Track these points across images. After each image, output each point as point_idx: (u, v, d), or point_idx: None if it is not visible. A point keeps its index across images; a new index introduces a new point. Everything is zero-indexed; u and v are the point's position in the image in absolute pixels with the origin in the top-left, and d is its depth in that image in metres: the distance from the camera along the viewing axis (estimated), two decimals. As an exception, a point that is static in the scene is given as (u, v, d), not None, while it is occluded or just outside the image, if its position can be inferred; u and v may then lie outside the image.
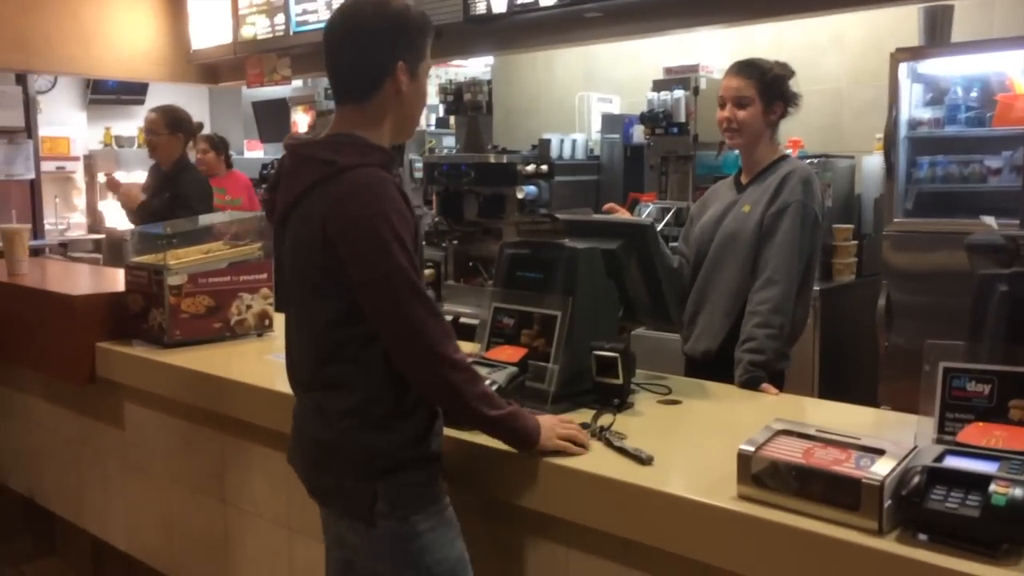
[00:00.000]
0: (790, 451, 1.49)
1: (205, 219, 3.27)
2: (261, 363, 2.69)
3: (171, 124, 4.28)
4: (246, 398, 2.44)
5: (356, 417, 1.68)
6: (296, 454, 1.83)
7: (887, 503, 1.36)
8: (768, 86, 2.49)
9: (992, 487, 1.29)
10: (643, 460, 1.70)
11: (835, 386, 4.01)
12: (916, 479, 1.35)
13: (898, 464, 1.40)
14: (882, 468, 1.39)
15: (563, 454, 1.73)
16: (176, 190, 4.18)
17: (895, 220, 3.84)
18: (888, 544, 1.34)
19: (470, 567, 1.77)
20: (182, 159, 4.37)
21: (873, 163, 4.33)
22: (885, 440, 1.48)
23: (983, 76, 3.74)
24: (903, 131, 3.83)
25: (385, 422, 1.68)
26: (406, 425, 1.69)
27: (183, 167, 4.34)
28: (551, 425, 1.76)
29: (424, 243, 5.47)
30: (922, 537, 1.35)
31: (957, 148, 3.79)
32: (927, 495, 1.33)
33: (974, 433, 1.44)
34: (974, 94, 3.73)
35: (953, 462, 1.37)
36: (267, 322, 3.00)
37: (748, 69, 2.52)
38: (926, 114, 3.82)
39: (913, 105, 3.85)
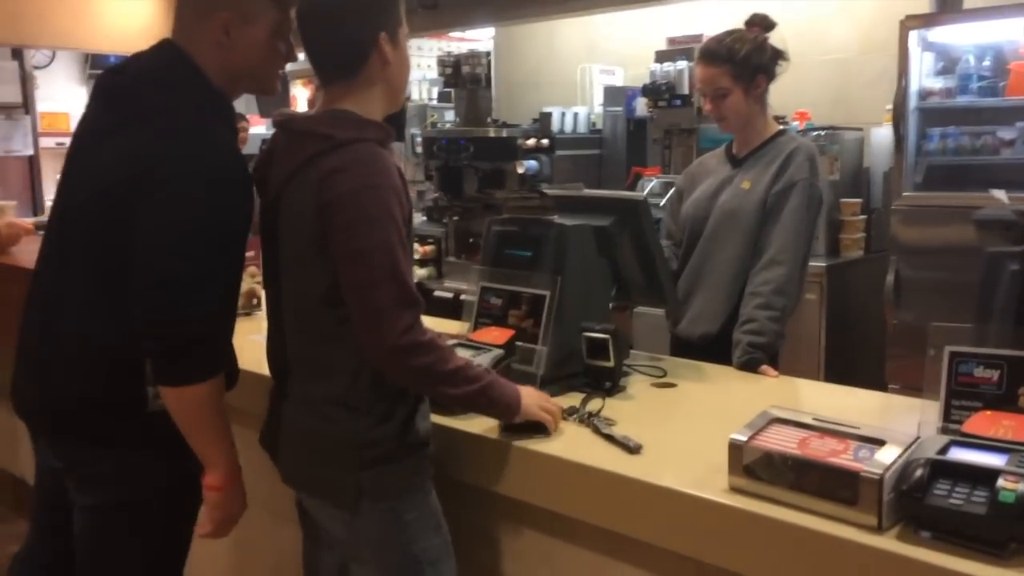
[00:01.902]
0: (784, 441, 1.40)
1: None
2: (247, 344, 2.58)
3: None
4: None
5: (340, 404, 1.62)
6: (272, 442, 1.76)
7: (887, 497, 1.27)
8: (742, 67, 2.34)
9: (1000, 482, 1.20)
10: (631, 449, 1.62)
11: (842, 364, 3.92)
12: (918, 472, 1.26)
13: (899, 456, 1.31)
14: (882, 460, 1.30)
15: (536, 435, 1.70)
16: None
17: (904, 194, 3.72)
18: (887, 542, 1.26)
19: (453, 552, 1.71)
20: None
21: (882, 135, 4.20)
22: (886, 429, 1.39)
23: (996, 44, 3.60)
24: (913, 102, 3.70)
25: (370, 408, 1.61)
26: (391, 410, 1.62)
27: None
28: (536, 395, 1.73)
29: (425, 219, 5.38)
30: (924, 534, 1.26)
31: (969, 119, 3.66)
32: (930, 490, 1.24)
33: (981, 422, 1.35)
34: (986, 63, 3.59)
35: (958, 454, 1.29)
36: (255, 301, 2.92)
37: (716, 56, 2.36)
38: (937, 84, 3.69)
39: (923, 75, 3.71)
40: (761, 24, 2.38)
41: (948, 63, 3.72)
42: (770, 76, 2.38)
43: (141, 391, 1.67)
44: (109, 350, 1.67)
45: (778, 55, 2.37)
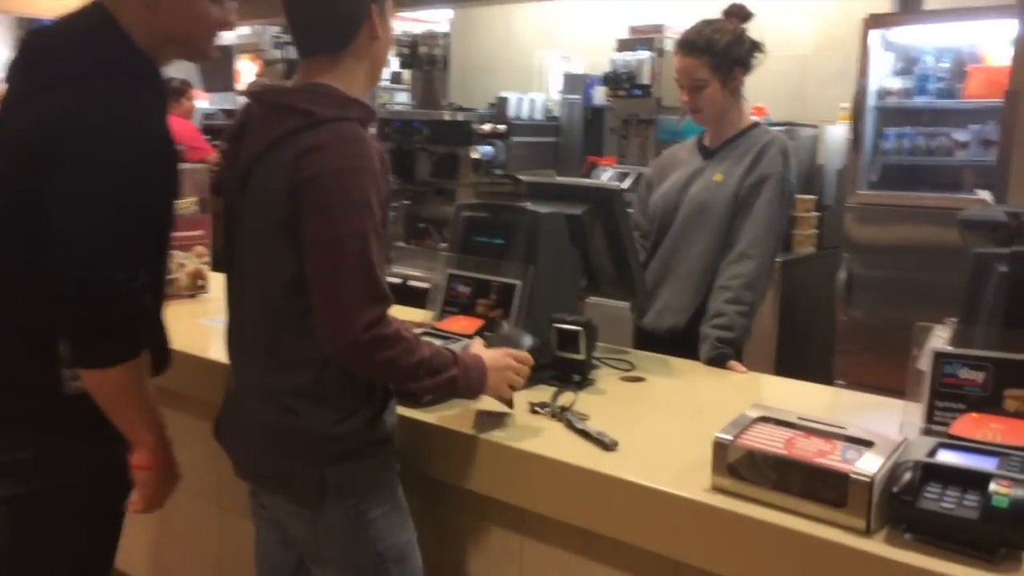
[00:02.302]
0: (770, 440, 1.37)
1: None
2: (194, 328, 2.49)
3: None
4: (176, 366, 2.24)
5: (305, 396, 1.52)
6: (229, 433, 1.67)
7: (876, 500, 1.25)
8: (721, 59, 2.30)
9: (992, 486, 1.18)
10: (606, 445, 1.57)
11: (791, 358, 3.95)
12: (908, 475, 1.23)
13: (888, 458, 1.28)
14: (871, 462, 1.27)
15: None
16: None
17: (859, 192, 3.76)
18: (876, 545, 1.23)
19: (419, 551, 1.65)
20: None
21: (836, 133, 4.24)
22: (872, 431, 1.36)
23: (955, 47, 3.65)
24: (871, 100, 3.73)
25: (337, 401, 1.53)
26: (359, 404, 1.54)
27: None
28: (504, 366, 1.64)
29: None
30: (907, 537, 1.24)
31: (925, 120, 3.71)
32: (921, 493, 1.22)
33: (968, 425, 1.33)
34: (944, 65, 3.64)
35: (948, 457, 1.26)
36: (200, 283, 2.80)
37: (695, 47, 2.31)
38: (895, 84, 3.72)
39: (882, 74, 3.74)
40: (739, 15, 2.34)
41: (907, 63, 3.76)
42: (747, 68, 2.34)
43: (56, 372, 1.55)
44: (19, 326, 1.55)
45: (755, 47, 2.34)
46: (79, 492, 1.62)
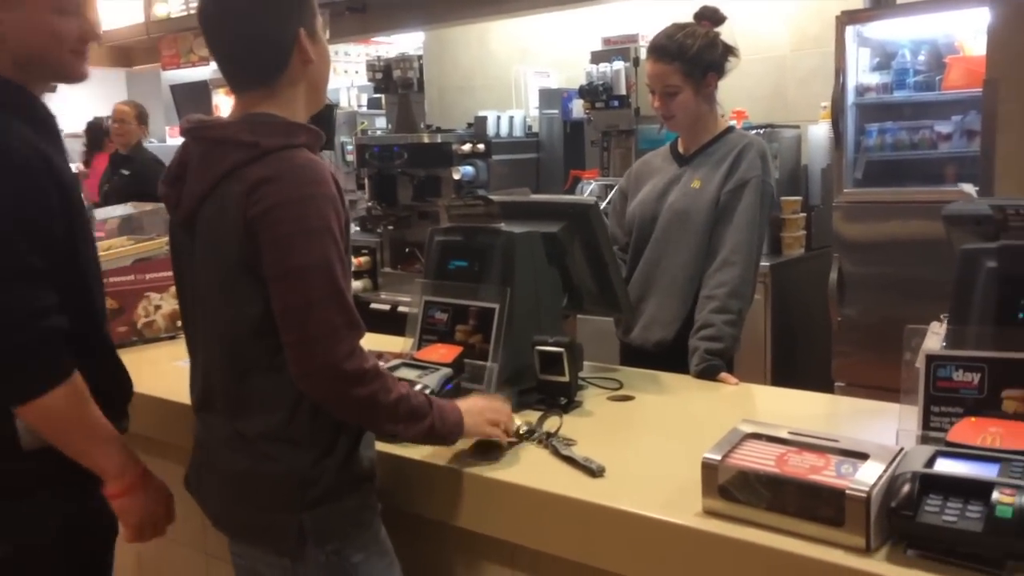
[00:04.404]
0: (761, 458, 1.31)
1: (102, 212, 2.98)
2: (172, 370, 2.43)
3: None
4: (155, 412, 2.18)
5: (279, 440, 1.46)
6: (199, 484, 1.60)
7: (875, 516, 1.19)
8: (693, 64, 2.25)
9: (995, 496, 1.12)
10: (593, 471, 1.51)
11: (787, 364, 3.89)
12: (906, 488, 1.17)
13: (884, 470, 1.22)
14: (867, 476, 1.21)
15: (490, 452, 1.59)
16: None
17: (845, 190, 3.71)
18: (878, 564, 1.17)
19: None
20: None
21: (819, 132, 4.20)
22: (867, 442, 1.30)
23: (931, 39, 3.61)
24: (850, 98, 3.68)
25: (312, 440, 1.46)
26: (334, 440, 1.48)
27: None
28: (479, 409, 1.59)
29: (358, 229, 5.22)
30: (909, 553, 1.18)
31: (906, 114, 3.67)
32: (920, 506, 1.16)
33: (966, 430, 1.27)
34: (922, 57, 3.60)
35: (947, 466, 1.20)
36: (179, 323, 2.73)
37: (667, 52, 2.26)
38: (873, 79, 3.68)
39: (860, 71, 3.70)
40: (711, 18, 2.29)
41: (884, 58, 3.72)
42: (720, 73, 2.29)
43: (9, 429, 1.51)
44: None
45: (728, 51, 2.29)
46: (54, 549, 1.57)
